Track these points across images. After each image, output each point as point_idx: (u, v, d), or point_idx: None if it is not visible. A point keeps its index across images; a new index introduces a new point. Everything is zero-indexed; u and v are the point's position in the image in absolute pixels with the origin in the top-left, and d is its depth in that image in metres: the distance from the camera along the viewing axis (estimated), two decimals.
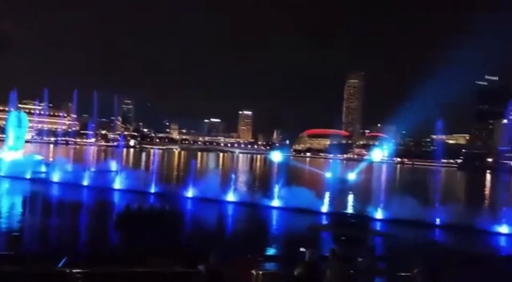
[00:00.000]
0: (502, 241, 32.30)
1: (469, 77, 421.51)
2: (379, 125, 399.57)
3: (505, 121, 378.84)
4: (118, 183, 48.35)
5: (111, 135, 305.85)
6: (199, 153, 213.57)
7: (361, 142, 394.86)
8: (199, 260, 11.11)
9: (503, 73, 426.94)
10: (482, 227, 33.72)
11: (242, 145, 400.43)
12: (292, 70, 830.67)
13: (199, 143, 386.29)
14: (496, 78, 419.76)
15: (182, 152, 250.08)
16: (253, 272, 11.30)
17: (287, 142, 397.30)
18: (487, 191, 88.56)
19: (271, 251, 24.52)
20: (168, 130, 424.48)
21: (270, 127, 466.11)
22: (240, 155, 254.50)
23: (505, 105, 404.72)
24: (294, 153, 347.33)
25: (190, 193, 43.89)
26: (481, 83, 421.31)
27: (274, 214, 38.76)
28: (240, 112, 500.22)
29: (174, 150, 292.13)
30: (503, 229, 33.50)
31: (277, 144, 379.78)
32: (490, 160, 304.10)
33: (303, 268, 10.06)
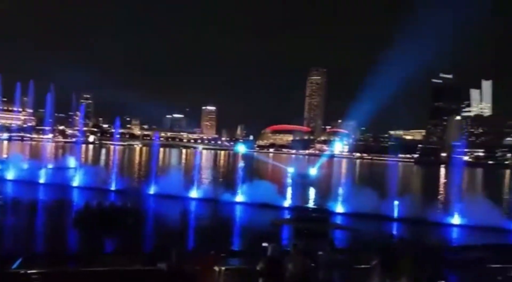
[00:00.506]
0: (454, 232, 33.89)
1: (426, 75, 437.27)
2: (339, 121, 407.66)
3: (458, 117, 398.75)
4: (76, 181, 46.99)
5: (69, 131, 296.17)
6: (162, 149, 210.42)
7: (323, 138, 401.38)
8: (160, 257, 11.04)
9: (457, 71, 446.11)
10: (436, 219, 35.36)
11: (206, 141, 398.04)
12: (256, 65, 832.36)
13: (162, 139, 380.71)
14: (450, 76, 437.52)
15: (144, 148, 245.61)
16: (216, 268, 11.34)
17: (251, 137, 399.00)
18: (441, 184, 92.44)
19: (234, 247, 24.62)
20: (129, 125, 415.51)
21: (234, 122, 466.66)
22: (204, 151, 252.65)
23: (458, 102, 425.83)
24: (257, 148, 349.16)
25: (152, 190, 43.30)
26: (436, 81, 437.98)
27: (237, 210, 38.92)
28: (204, 108, 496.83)
29: (136, 146, 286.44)
30: (455, 220, 35.20)
31: (241, 140, 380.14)
32: (444, 154, 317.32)
33: (265, 263, 10.19)
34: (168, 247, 10.17)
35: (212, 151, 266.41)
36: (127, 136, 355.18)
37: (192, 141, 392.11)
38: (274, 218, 33.25)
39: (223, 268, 11.67)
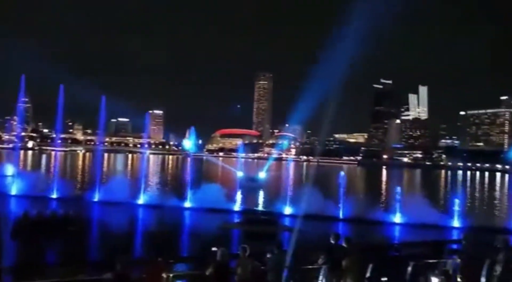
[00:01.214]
0: (396, 231, 35.54)
1: (368, 80, 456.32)
2: (287, 125, 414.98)
3: (398, 121, 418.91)
4: (14, 189, 44.36)
5: (5, 136, 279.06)
6: (106, 155, 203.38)
7: (271, 141, 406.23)
8: (106, 267, 10.73)
9: (396, 77, 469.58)
10: (379, 218, 36.91)
11: (153, 146, 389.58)
12: (204, 69, 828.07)
13: (106, 144, 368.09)
14: (390, 81, 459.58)
15: (87, 154, 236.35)
16: (164, 275, 11.17)
17: (200, 142, 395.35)
18: (383, 185, 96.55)
19: (183, 253, 24.34)
20: (71, 130, 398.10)
21: (183, 127, 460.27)
22: (151, 156, 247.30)
23: (398, 107, 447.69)
24: (207, 153, 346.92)
25: (96, 197, 41.79)
26: (377, 86, 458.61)
27: (186, 215, 38.48)
28: (150, 111, 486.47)
29: (78, 151, 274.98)
30: (397, 219, 36.93)
31: (187, 138, 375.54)
32: (385, 156, 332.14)
33: (214, 268, 10.21)
34: (113, 255, 9.89)
35: (160, 156, 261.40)
36: (69, 141, 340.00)
37: (138, 146, 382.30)
38: (223, 222, 33.23)
39: (171, 274, 11.52)
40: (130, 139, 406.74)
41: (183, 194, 42.21)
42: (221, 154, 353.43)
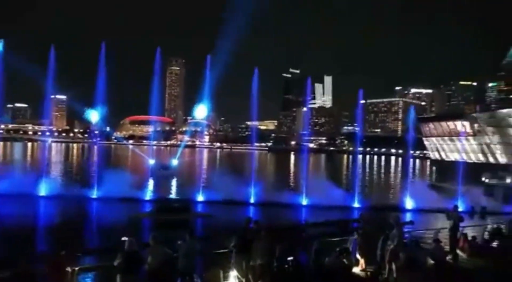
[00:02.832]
0: (304, 212, 37.56)
1: (278, 69, 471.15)
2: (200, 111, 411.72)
3: (305, 109, 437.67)
4: None
5: None
6: (1, 143, 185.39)
7: (184, 129, 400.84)
8: (5, 265, 10.12)
9: (303, 66, 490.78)
10: (288, 201, 38.69)
11: (56, 133, 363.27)
12: (112, 53, 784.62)
13: (1, 131, 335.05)
14: (298, 71, 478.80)
15: None
16: (68, 269, 10.78)
17: (108, 129, 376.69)
18: (291, 169, 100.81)
19: (90, 245, 23.41)
20: None
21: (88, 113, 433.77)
22: (54, 144, 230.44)
23: (305, 95, 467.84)
24: (116, 140, 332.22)
25: None
26: (286, 75, 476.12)
27: (94, 206, 36.85)
28: (52, 97, 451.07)
29: None
30: (304, 201, 39.01)
31: (96, 132, 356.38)
32: (293, 142, 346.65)
33: (123, 258, 10.10)
34: (14, 252, 9.33)
35: (64, 144, 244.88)
36: None
37: (39, 133, 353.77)
38: (133, 212, 32.42)
39: (76, 268, 11.13)
40: (30, 127, 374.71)
41: (90, 183, 40.25)
42: (131, 141, 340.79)
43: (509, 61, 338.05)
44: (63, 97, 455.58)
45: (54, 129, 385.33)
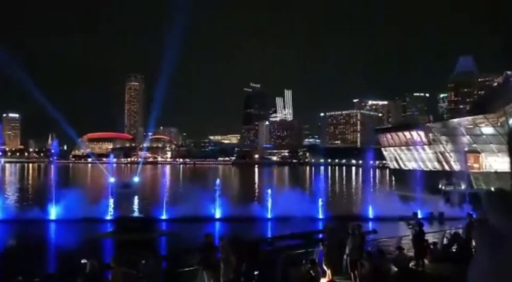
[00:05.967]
0: (268, 225, 37.43)
1: (239, 84, 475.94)
2: (161, 127, 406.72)
3: (267, 122, 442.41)
4: None
5: None
6: None
7: (145, 145, 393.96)
8: None
9: (263, 81, 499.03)
10: (252, 215, 38.48)
11: (9, 153, 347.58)
12: (66, 69, 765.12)
13: None
14: (258, 85, 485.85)
15: None
16: None
17: (65, 147, 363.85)
18: (255, 182, 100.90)
19: (50, 270, 22.35)
20: None
21: (44, 131, 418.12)
22: (7, 164, 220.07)
23: (266, 109, 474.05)
24: (73, 159, 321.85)
25: None
26: (247, 89, 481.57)
27: (51, 228, 35.31)
28: (4, 115, 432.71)
29: None
30: (268, 214, 38.89)
31: (52, 151, 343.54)
32: (256, 156, 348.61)
33: (84, 281, 9.72)
34: None
35: (18, 165, 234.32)
36: None
37: None
38: (93, 233, 31.30)
39: None
40: None
41: (47, 205, 38.55)
42: (89, 160, 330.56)
43: (458, 72, 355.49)
44: (15, 115, 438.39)
45: (7, 149, 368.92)
